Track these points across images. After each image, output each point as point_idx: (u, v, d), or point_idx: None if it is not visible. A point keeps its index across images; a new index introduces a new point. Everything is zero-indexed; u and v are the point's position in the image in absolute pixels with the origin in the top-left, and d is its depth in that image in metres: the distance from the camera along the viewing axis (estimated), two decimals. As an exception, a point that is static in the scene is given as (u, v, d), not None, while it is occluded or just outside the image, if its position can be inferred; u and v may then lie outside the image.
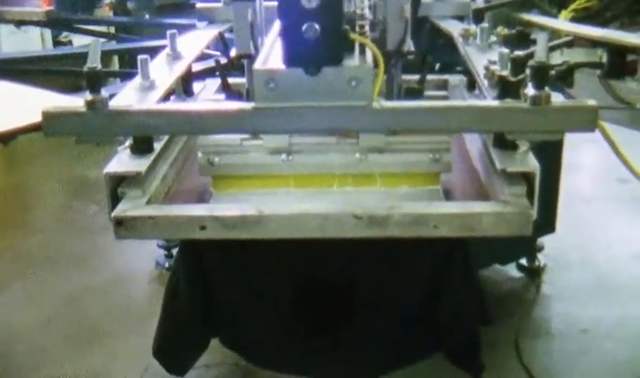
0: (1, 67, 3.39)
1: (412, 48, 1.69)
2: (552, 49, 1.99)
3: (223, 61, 1.88)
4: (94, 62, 1.30)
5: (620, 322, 2.99)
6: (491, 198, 1.40)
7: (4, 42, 4.90)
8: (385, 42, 1.65)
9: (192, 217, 1.33)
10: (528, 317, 3.09)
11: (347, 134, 1.47)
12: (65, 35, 5.67)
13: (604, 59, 1.99)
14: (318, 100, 1.27)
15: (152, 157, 1.43)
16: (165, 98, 1.53)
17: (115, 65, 4.88)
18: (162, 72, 1.61)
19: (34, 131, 2.05)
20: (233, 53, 1.84)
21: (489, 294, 3.17)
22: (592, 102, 1.26)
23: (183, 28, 1.92)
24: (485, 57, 1.63)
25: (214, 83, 1.97)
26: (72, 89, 2.56)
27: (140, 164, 1.39)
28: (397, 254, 1.57)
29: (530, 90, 1.26)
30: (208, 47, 1.93)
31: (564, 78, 1.38)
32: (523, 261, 3.39)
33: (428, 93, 1.91)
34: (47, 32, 5.51)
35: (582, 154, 4.40)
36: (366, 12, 1.75)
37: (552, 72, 1.34)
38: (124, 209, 1.33)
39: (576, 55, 2.02)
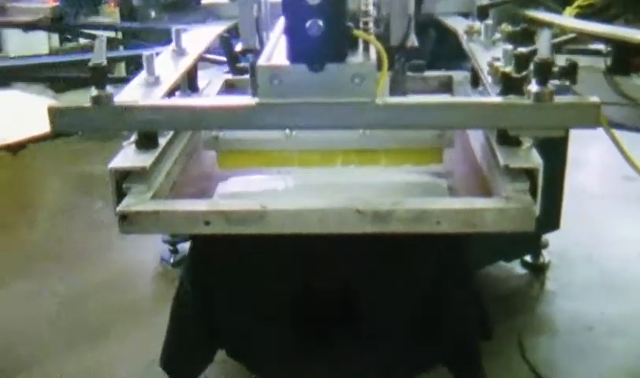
0: (10, 74, 3.41)
1: (416, 44, 1.69)
2: (556, 45, 1.98)
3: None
4: (99, 58, 1.31)
5: (625, 319, 2.98)
6: (494, 194, 1.40)
7: (10, 42, 4.89)
8: (388, 38, 1.65)
9: (197, 212, 1.34)
10: (532, 314, 3.09)
11: None
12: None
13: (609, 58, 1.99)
14: (321, 96, 1.27)
15: (157, 152, 1.44)
16: (170, 93, 1.54)
17: (122, 72, 4.86)
18: (167, 67, 1.62)
19: (43, 140, 2.07)
20: (239, 48, 1.85)
21: (493, 291, 3.18)
22: (595, 99, 1.26)
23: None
24: (490, 53, 1.63)
25: (219, 79, 1.97)
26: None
27: (145, 160, 1.40)
28: (397, 267, 1.58)
29: (533, 87, 1.26)
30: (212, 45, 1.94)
31: (568, 74, 1.38)
32: (528, 258, 3.39)
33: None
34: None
35: (588, 151, 4.39)
36: (370, 8, 1.75)
37: (556, 69, 1.33)
38: (128, 203, 1.34)
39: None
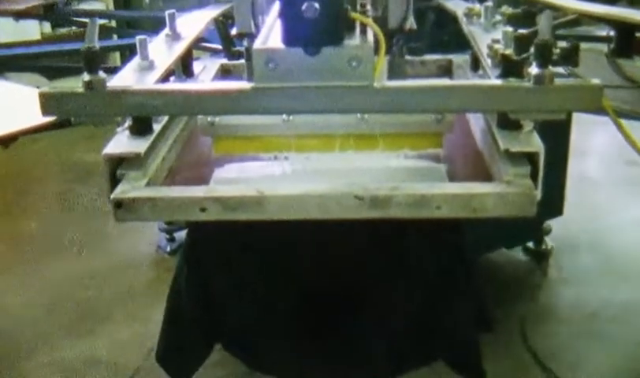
0: (1, 63, 3.38)
1: (415, 26, 1.67)
2: (557, 27, 1.96)
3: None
4: (91, 42, 1.29)
5: (628, 305, 2.97)
6: (494, 178, 1.38)
7: (1, 30, 4.82)
8: (387, 21, 1.63)
9: (192, 199, 1.31)
10: (535, 301, 3.08)
11: None
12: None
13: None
14: (318, 80, 1.25)
15: (152, 138, 1.41)
16: (165, 78, 1.52)
17: (116, 61, 4.80)
18: (161, 52, 1.59)
19: (35, 132, 2.04)
20: (234, 32, 1.82)
21: (495, 278, 3.16)
22: (596, 81, 1.24)
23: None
24: (489, 36, 1.60)
25: (215, 64, 1.95)
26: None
27: (140, 146, 1.37)
28: (397, 260, 1.57)
29: (533, 69, 1.24)
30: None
31: (569, 57, 1.35)
32: (530, 244, 3.37)
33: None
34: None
35: (591, 136, 4.36)
36: (368, -10, 1.72)
37: (557, 51, 1.31)
38: (123, 190, 1.32)
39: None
